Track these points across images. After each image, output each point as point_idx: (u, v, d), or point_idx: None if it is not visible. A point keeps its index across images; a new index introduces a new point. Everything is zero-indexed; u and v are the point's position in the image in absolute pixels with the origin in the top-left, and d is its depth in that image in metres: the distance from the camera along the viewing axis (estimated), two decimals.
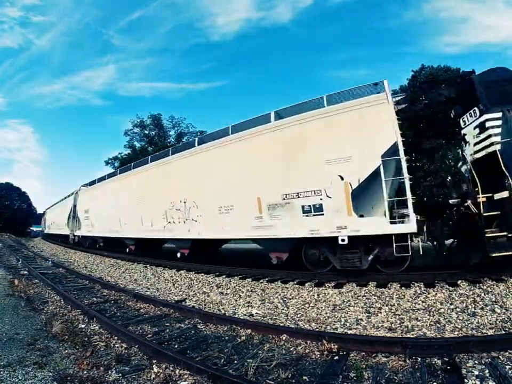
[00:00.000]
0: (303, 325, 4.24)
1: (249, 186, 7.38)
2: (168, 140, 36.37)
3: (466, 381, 2.38)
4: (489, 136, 5.12)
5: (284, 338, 3.64)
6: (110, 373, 2.89)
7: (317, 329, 3.98)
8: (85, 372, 2.87)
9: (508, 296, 4.22)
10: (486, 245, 4.76)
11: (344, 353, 3.11)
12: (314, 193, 6.31)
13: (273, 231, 6.95)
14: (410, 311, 4.27)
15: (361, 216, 5.87)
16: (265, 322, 4.37)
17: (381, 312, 4.35)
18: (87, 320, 4.65)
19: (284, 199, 6.77)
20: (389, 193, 5.75)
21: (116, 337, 3.87)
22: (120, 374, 2.84)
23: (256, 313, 4.96)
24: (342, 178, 5.97)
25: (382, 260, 5.89)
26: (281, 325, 4.29)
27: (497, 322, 3.60)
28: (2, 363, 3.04)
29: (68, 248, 20.37)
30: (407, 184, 5.53)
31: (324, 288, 5.74)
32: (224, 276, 7.64)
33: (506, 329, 3.40)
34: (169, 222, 9.90)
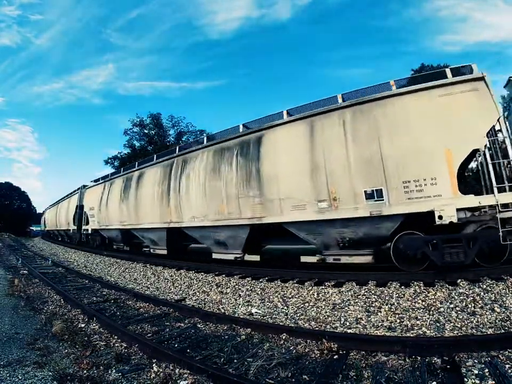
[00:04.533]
0: (303, 324, 4.24)
1: None
2: (168, 139, 36.38)
3: (466, 380, 2.38)
4: None
5: (284, 337, 3.65)
6: (109, 372, 2.89)
7: (317, 328, 3.98)
8: (85, 371, 2.87)
9: (507, 295, 4.22)
10: None
11: (344, 352, 3.11)
12: None
13: None
14: (410, 310, 4.27)
15: None
16: (265, 322, 4.37)
17: (380, 311, 4.35)
18: (86, 320, 4.65)
19: None
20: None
21: (115, 337, 3.88)
22: (120, 374, 2.84)
23: (256, 312, 4.96)
24: None
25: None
26: (281, 324, 4.29)
27: (497, 321, 3.60)
28: (2, 363, 3.05)
29: (67, 247, 20.37)
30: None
31: (323, 287, 5.75)
32: (223, 275, 7.65)
33: (506, 328, 3.40)
34: None
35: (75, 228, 19.08)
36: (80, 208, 18.62)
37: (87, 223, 16.75)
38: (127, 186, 12.81)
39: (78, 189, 20.35)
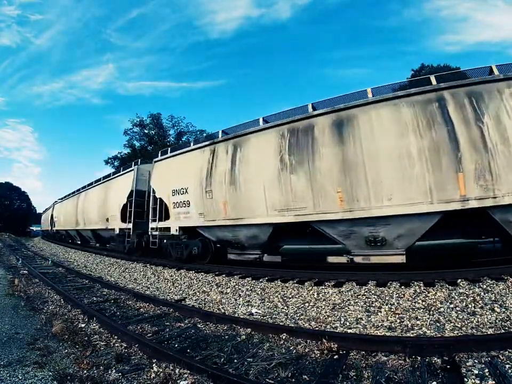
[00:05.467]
0: (303, 324, 4.24)
1: None
2: (168, 139, 36.43)
3: (466, 380, 2.38)
4: None
5: (284, 337, 3.65)
6: (109, 372, 2.89)
7: (317, 328, 3.98)
8: (85, 371, 2.87)
9: (507, 295, 4.22)
10: None
11: (344, 352, 3.11)
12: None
13: None
14: (410, 310, 4.27)
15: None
16: (265, 322, 4.37)
17: (380, 311, 4.36)
18: (87, 320, 4.65)
19: None
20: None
21: (115, 337, 3.87)
22: (120, 374, 2.84)
23: (256, 312, 4.96)
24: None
25: None
26: (281, 324, 4.29)
27: (497, 321, 3.60)
28: (2, 363, 3.04)
29: (67, 247, 20.37)
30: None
31: (323, 287, 5.75)
32: (223, 275, 7.64)
33: (506, 328, 3.40)
34: None
35: (127, 226, 12.31)
36: (138, 195, 12.25)
37: (164, 218, 10.20)
38: (301, 143, 6.83)
39: (128, 166, 13.69)
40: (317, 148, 6.64)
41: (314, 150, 6.65)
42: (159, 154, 11.29)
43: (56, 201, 27.38)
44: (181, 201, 9.44)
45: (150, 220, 10.88)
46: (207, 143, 9.19)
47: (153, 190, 10.85)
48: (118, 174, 14.35)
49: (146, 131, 37.38)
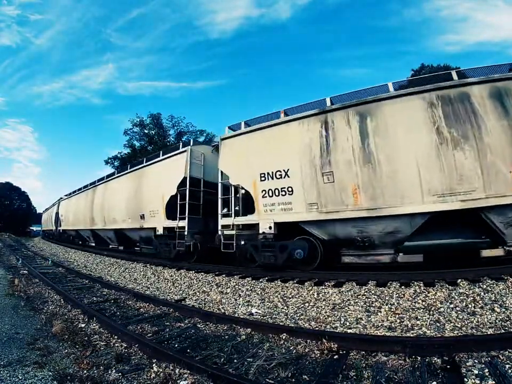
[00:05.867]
0: (303, 324, 4.24)
1: None
2: (168, 139, 36.45)
3: (466, 380, 2.38)
4: None
5: (284, 337, 3.65)
6: (109, 372, 2.89)
7: (317, 328, 3.98)
8: (85, 371, 2.87)
9: (507, 295, 4.22)
10: None
11: (344, 352, 3.11)
12: None
13: None
14: (410, 310, 4.27)
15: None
16: (265, 322, 4.38)
17: (380, 311, 4.36)
18: (87, 320, 4.65)
19: None
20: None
21: (115, 337, 3.88)
22: (120, 374, 2.84)
23: (256, 312, 4.97)
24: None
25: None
26: (281, 324, 4.29)
27: (497, 321, 3.60)
28: (2, 363, 3.04)
29: (67, 247, 20.38)
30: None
31: (323, 287, 5.75)
32: (223, 275, 7.65)
33: (506, 328, 3.40)
34: None
35: (177, 224, 9.63)
36: (191, 184, 9.67)
37: (241, 212, 8.10)
38: (459, 114, 5.71)
39: (174, 148, 11.02)
40: (481, 120, 5.65)
41: (479, 122, 5.65)
42: (226, 130, 8.93)
43: (62, 198, 23.95)
44: (276, 188, 7.21)
45: (220, 215, 8.42)
46: (312, 112, 7.06)
47: (222, 175, 8.56)
48: (160, 159, 11.27)
49: (146, 131, 37.37)
